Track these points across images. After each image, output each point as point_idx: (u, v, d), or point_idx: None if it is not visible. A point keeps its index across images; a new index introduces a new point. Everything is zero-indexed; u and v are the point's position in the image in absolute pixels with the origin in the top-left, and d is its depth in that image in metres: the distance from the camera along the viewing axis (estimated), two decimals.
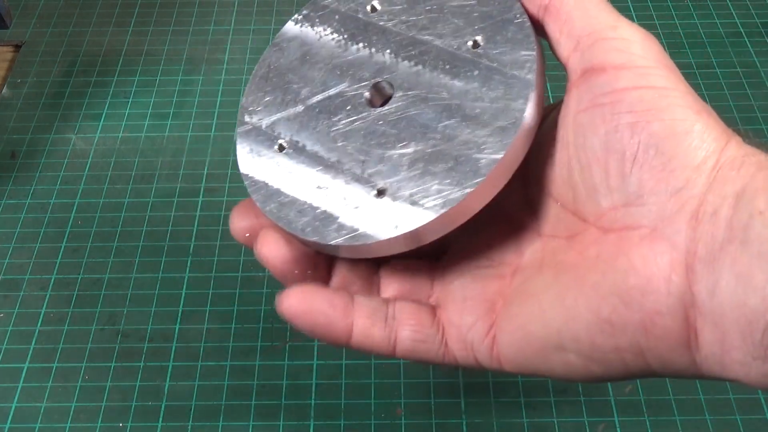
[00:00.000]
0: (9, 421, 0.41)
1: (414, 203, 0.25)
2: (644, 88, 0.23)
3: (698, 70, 0.58)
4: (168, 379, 0.43)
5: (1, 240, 0.50)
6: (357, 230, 0.26)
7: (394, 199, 0.26)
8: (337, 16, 0.29)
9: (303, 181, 0.27)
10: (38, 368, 0.43)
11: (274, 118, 0.29)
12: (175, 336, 0.44)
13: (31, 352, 0.44)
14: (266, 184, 0.28)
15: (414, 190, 0.25)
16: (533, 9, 0.26)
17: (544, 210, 0.26)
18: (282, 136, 0.28)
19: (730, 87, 0.57)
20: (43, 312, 0.46)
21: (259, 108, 0.29)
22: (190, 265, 0.48)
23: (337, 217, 0.26)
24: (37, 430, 0.41)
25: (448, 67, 0.26)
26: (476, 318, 0.26)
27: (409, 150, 0.26)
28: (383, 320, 0.27)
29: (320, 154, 0.27)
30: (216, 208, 0.51)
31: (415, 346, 0.27)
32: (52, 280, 0.47)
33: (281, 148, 0.28)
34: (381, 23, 0.28)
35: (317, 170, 0.27)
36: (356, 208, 0.26)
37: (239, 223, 0.28)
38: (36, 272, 0.48)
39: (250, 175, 0.28)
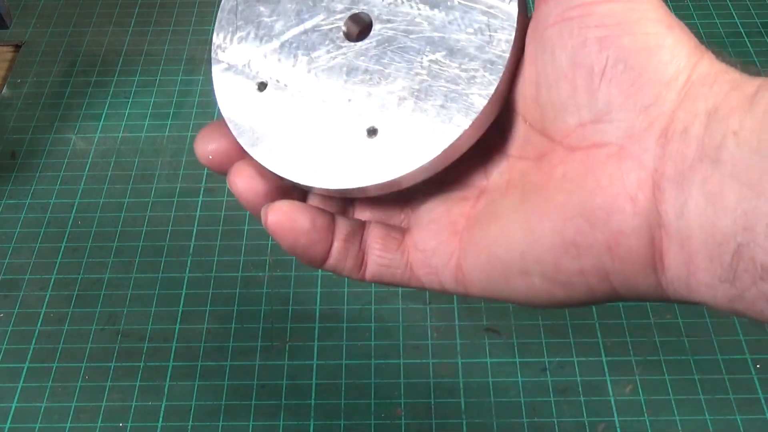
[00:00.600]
0: (9, 421, 0.41)
1: (407, 144, 0.25)
2: (614, 1, 0.22)
3: None
4: (168, 379, 0.43)
5: (1, 240, 0.50)
6: (352, 173, 0.25)
7: (387, 139, 0.25)
8: None
9: (289, 123, 0.27)
10: (38, 368, 0.43)
11: (249, 55, 0.28)
12: (175, 336, 0.44)
13: (31, 352, 0.44)
14: (251, 128, 0.27)
15: (406, 130, 0.25)
16: None
17: (513, 130, 0.26)
18: (260, 74, 0.27)
19: None
20: (43, 312, 0.46)
21: (233, 45, 0.28)
22: (190, 265, 0.48)
23: (328, 160, 0.26)
24: (37, 430, 0.41)
25: None
26: (439, 242, 0.26)
27: (396, 86, 0.25)
28: (358, 244, 0.27)
29: (304, 94, 0.27)
30: (216, 208, 0.51)
31: (381, 270, 0.27)
32: (52, 280, 0.47)
33: (261, 87, 0.27)
34: None
35: (303, 110, 0.26)
36: (347, 149, 0.25)
37: (204, 145, 0.28)
38: (36, 272, 0.48)
39: (232, 119, 0.27)
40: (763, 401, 0.41)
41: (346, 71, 0.26)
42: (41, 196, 0.52)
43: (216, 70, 0.28)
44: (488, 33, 0.24)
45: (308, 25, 0.27)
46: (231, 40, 0.28)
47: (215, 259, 0.48)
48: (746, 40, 0.61)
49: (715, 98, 0.20)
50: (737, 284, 0.19)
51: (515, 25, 0.24)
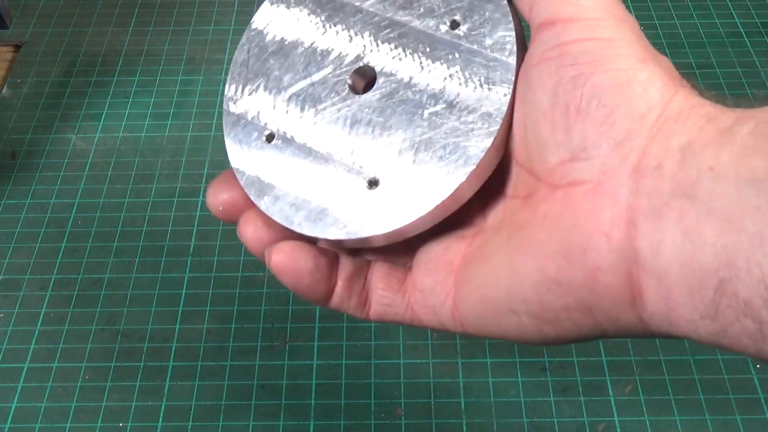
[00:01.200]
0: (9, 421, 0.41)
1: (407, 195, 0.25)
2: (589, 40, 0.22)
3: (698, 70, 0.58)
4: (168, 379, 0.43)
5: (1, 240, 0.50)
6: (352, 225, 0.26)
7: (387, 190, 0.26)
8: None
9: (295, 174, 0.27)
10: (38, 368, 0.43)
11: (258, 107, 0.29)
12: (175, 336, 0.44)
13: (31, 352, 0.44)
14: (258, 179, 0.28)
15: (406, 182, 0.25)
16: None
17: (508, 170, 0.26)
18: (268, 126, 0.28)
19: (730, 87, 0.57)
20: (43, 312, 0.46)
21: (243, 97, 0.29)
22: (190, 265, 0.48)
23: (332, 211, 0.26)
24: (37, 430, 0.41)
25: (428, 50, 0.26)
26: (436, 281, 0.26)
27: (398, 138, 0.26)
28: (362, 283, 0.28)
29: (309, 145, 0.27)
30: None
31: (384, 310, 0.27)
32: (52, 280, 0.47)
33: (269, 139, 0.28)
34: (357, 3, 0.28)
35: (308, 161, 0.27)
36: (350, 200, 0.26)
37: (215, 196, 0.29)
38: (36, 272, 0.48)
39: (241, 169, 0.28)
40: (763, 401, 0.41)
41: (350, 123, 0.27)
42: (41, 196, 0.52)
43: (227, 122, 0.29)
44: (487, 86, 0.25)
45: (316, 78, 0.28)
46: (242, 92, 0.29)
47: (215, 259, 0.48)
48: (746, 40, 0.61)
49: (689, 133, 0.20)
50: (720, 320, 0.19)
51: (513, 77, 0.25)
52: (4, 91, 0.59)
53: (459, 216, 0.26)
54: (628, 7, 0.66)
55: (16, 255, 0.49)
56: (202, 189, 0.52)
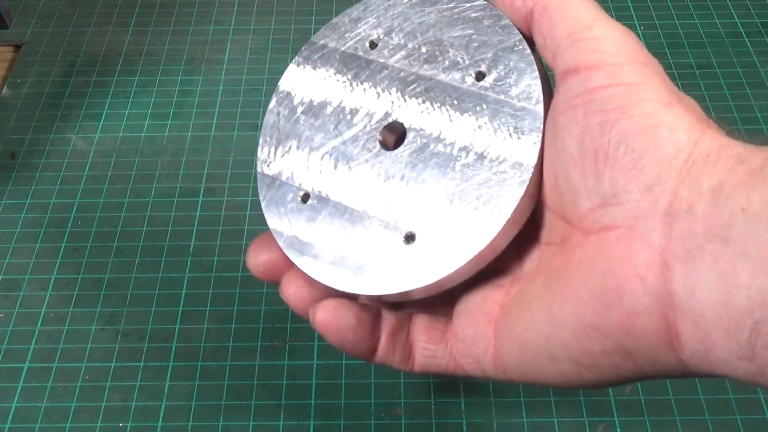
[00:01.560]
0: (9, 421, 0.41)
1: (444, 248, 0.25)
2: (614, 86, 0.23)
3: (698, 70, 0.58)
4: (168, 379, 0.43)
5: (1, 240, 0.50)
6: (392, 279, 0.26)
7: (424, 244, 0.26)
8: (337, 56, 0.29)
9: (332, 232, 0.28)
10: (38, 368, 0.43)
11: (292, 167, 0.29)
12: (175, 336, 0.44)
13: (31, 352, 0.44)
14: (296, 239, 0.28)
15: (442, 234, 0.26)
16: (519, 22, 0.26)
17: (541, 217, 0.26)
18: (303, 185, 0.28)
19: (730, 87, 0.57)
20: (43, 312, 0.46)
21: (276, 159, 0.29)
22: (190, 265, 0.48)
23: (371, 267, 0.27)
24: (37, 430, 0.41)
25: (456, 102, 0.27)
26: (476, 331, 0.26)
27: (431, 192, 0.26)
28: (405, 337, 0.28)
29: (344, 203, 0.28)
30: (216, 208, 0.51)
31: (428, 362, 0.28)
32: (52, 280, 0.47)
33: (305, 199, 0.28)
34: (382, 60, 0.28)
35: (344, 219, 0.28)
36: (388, 255, 0.27)
37: (255, 258, 0.29)
38: (36, 272, 0.48)
39: (278, 230, 0.28)
40: (763, 401, 0.41)
41: (383, 179, 0.27)
42: (41, 196, 0.52)
43: (261, 184, 0.29)
44: (516, 135, 0.25)
45: (346, 136, 0.28)
46: (274, 154, 0.29)
47: (215, 259, 0.48)
48: (746, 40, 0.61)
49: (719, 175, 0.20)
50: (756, 361, 0.19)
51: (542, 126, 0.25)
52: (4, 91, 0.59)
53: (496, 265, 0.27)
54: (628, 8, 0.66)
55: (16, 255, 0.49)
56: (202, 189, 0.52)
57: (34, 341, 0.45)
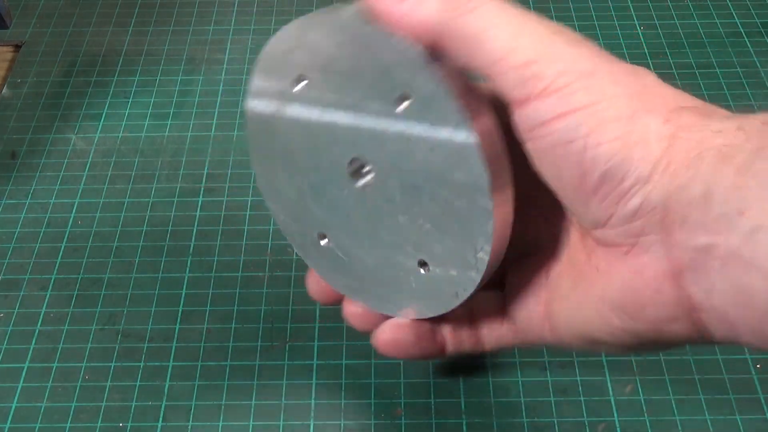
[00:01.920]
0: (9, 421, 0.41)
1: (456, 269, 0.27)
2: (569, 114, 0.21)
3: (698, 70, 0.58)
4: (168, 379, 0.43)
5: (1, 240, 0.50)
6: (422, 303, 0.29)
7: (437, 269, 0.28)
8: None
9: (351, 269, 0.31)
10: (38, 368, 0.43)
11: (298, 216, 0.33)
12: (175, 336, 0.44)
13: (31, 352, 0.44)
14: (336, 279, 0.33)
15: (448, 255, 0.27)
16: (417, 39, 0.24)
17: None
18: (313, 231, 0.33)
19: (730, 87, 0.57)
20: (43, 312, 0.46)
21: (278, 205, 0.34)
22: (190, 265, 0.48)
23: (397, 295, 0.30)
24: (37, 430, 0.41)
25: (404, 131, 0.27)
26: (530, 314, 0.29)
27: (417, 219, 0.27)
28: (467, 326, 0.31)
29: (351, 249, 0.31)
30: (216, 208, 0.51)
31: (497, 340, 0.31)
32: (52, 280, 0.47)
33: (321, 239, 0.32)
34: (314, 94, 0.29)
35: (357, 254, 0.31)
36: (410, 283, 0.29)
37: (317, 284, 0.35)
38: (36, 272, 0.48)
39: (318, 271, 0.34)
40: (763, 401, 0.41)
41: (371, 217, 0.29)
42: (41, 196, 0.52)
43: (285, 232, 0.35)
44: (456, 158, 0.25)
45: (318, 177, 0.31)
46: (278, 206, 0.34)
47: (215, 259, 0.48)
48: (746, 40, 0.61)
49: (707, 178, 0.20)
50: None
51: (470, 127, 0.24)
52: (4, 91, 0.59)
53: (531, 238, 0.29)
54: (628, 8, 0.66)
55: (16, 255, 0.49)
56: (202, 189, 0.52)
57: (34, 341, 0.45)
